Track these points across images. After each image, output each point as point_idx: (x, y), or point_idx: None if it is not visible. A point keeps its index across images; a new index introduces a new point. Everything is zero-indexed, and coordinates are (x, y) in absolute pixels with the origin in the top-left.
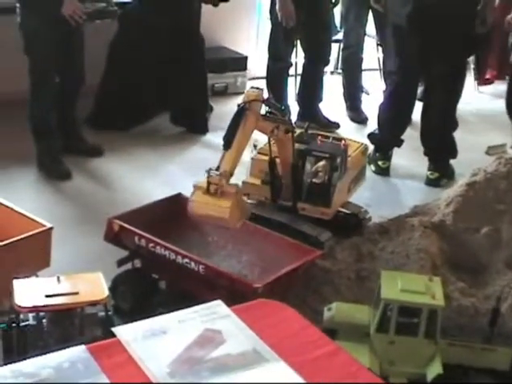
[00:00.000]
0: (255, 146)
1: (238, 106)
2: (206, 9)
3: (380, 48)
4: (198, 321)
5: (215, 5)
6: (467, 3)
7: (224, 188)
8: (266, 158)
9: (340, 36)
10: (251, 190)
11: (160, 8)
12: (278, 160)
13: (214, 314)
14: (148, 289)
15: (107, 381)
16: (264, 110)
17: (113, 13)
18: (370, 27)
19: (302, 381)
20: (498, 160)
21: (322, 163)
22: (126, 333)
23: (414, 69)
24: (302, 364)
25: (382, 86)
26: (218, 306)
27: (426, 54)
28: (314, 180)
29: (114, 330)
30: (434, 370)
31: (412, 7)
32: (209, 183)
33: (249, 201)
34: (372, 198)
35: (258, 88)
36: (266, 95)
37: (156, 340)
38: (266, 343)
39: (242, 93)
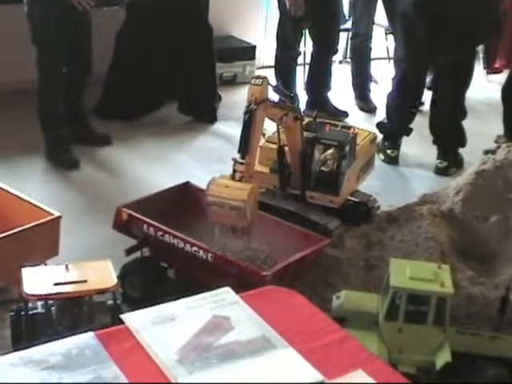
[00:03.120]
0: (264, 135)
1: (245, 113)
2: None
3: (389, 37)
4: (206, 307)
5: None
6: None
7: (249, 176)
8: (275, 146)
9: (349, 25)
10: (260, 178)
11: None
12: (286, 148)
13: (223, 301)
14: (157, 277)
15: (116, 367)
16: (273, 96)
17: (120, 0)
18: (379, 16)
19: (311, 367)
20: (507, 148)
21: (330, 151)
22: (134, 320)
23: (421, 57)
24: (311, 351)
25: (391, 74)
26: (226, 292)
27: (433, 42)
28: (322, 168)
29: (123, 316)
30: (443, 357)
31: None
32: (234, 171)
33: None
34: (381, 186)
35: (261, 77)
36: (272, 82)
37: (164, 327)
38: (274, 330)
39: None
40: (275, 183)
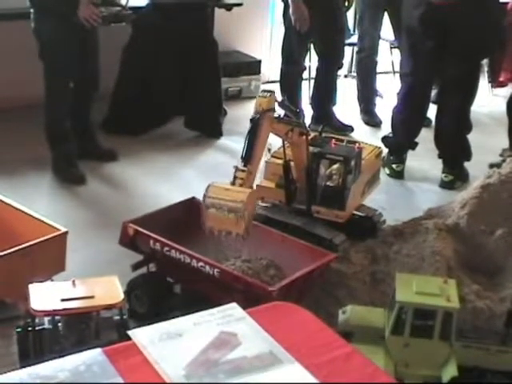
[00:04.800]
0: (269, 150)
1: (251, 120)
2: (219, 13)
3: (394, 51)
4: (213, 323)
5: (228, 9)
6: (479, 5)
7: (249, 184)
8: (281, 161)
9: (354, 39)
10: (265, 193)
11: (173, 12)
12: (292, 163)
13: (230, 317)
14: (163, 292)
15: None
16: (278, 111)
17: (127, 17)
18: (385, 30)
19: (317, 383)
20: None
21: (336, 166)
22: (141, 336)
23: (427, 71)
24: (318, 366)
25: (397, 89)
26: (233, 308)
27: (438, 56)
28: (328, 183)
29: (130, 332)
30: (449, 372)
31: (424, 9)
32: (235, 178)
33: (263, 204)
34: (386, 200)
35: (269, 91)
36: (278, 97)
37: (172, 343)
38: (281, 345)
39: (256, 97)
40: (281, 198)
